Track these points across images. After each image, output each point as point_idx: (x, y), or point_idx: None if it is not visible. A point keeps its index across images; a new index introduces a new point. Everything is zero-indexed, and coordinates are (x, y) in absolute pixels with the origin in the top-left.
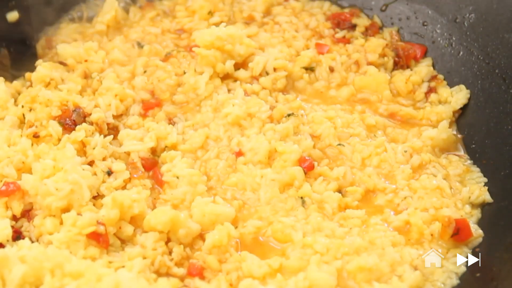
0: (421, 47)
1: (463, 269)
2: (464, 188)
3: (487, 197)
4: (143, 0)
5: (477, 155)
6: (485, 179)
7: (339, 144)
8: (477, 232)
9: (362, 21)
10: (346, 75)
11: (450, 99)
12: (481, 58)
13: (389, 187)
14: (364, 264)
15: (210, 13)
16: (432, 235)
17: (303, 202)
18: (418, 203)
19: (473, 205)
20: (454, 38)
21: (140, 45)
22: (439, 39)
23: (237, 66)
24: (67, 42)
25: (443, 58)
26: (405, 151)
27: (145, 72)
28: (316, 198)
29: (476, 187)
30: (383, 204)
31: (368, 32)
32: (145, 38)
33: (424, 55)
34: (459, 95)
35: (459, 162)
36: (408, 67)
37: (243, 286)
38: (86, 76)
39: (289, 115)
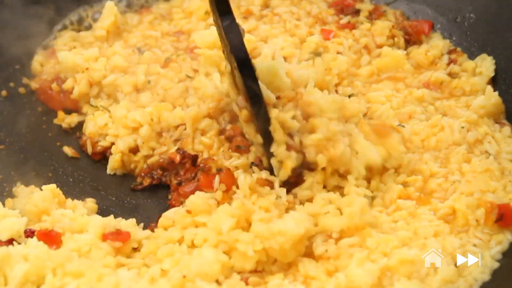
0: (427, 22)
1: (497, 264)
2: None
3: None
4: (138, 4)
5: None
6: None
7: (399, 125)
8: None
9: (365, 6)
10: (358, 59)
11: (479, 69)
12: None
13: (441, 172)
14: (406, 257)
15: (208, 13)
16: (477, 220)
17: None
18: (465, 187)
19: None
20: (454, 38)
21: (140, 51)
22: None
23: None
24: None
25: None
26: (462, 127)
27: (148, 82)
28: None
29: None
30: (433, 190)
31: (373, 16)
32: (145, 42)
33: (432, 29)
34: (486, 63)
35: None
36: (420, 42)
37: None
38: (91, 84)
39: (349, 96)
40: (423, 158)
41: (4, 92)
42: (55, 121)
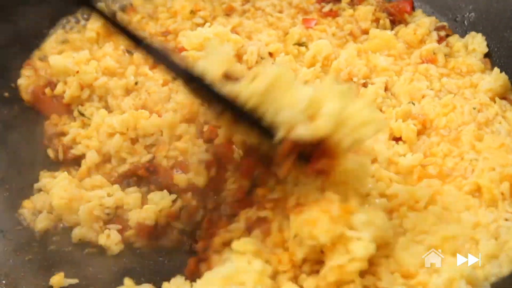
0: (407, 1)
1: None
2: None
3: None
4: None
5: None
6: None
7: (410, 102)
8: None
9: None
10: (343, 44)
11: (471, 46)
12: None
13: (455, 151)
14: (446, 233)
15: (193, 12)
16: (503, 194)
17: None
18: (484, 163)
19: None
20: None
21: (130, 52)
22: None
23: None
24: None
25: None
26: (474, 108)
27: (136, 83)
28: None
29: None
30: (452, 169)
31: (354, 1)
32: None
33: (413, 8)
34: (476, 40)
35: None
36: (405, 22)
37: None
38: (82, 87)
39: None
40: (434, 139)
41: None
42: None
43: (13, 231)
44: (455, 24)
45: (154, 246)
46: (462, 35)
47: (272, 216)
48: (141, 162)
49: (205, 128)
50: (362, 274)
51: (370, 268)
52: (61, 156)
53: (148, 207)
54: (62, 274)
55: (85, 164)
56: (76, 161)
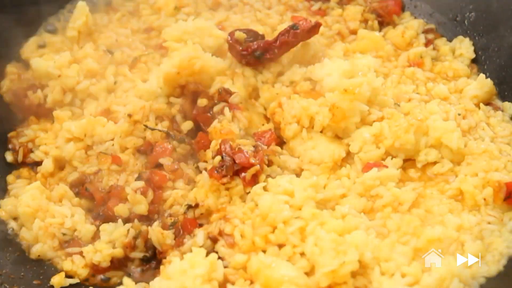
0: (396, 1)
1: None
2: None
3: None
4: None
5: None
6: None
7: (395, 104)
8: None
9: None
10: (330, 44)
11: (458, 51)
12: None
13: (437, 155)
14: (432, 235)
15: (177, 9)
16: (485, 199)
17: None
18: (467, 169)
19: None
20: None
21: (110, 52)
22: None
23: None
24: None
25: None
26: (459, 114)
27: (114, 83)
28: None
29: None
30: (434, 173)
31: (343, 1)
32: (117, 40)
33: (402, 9)
34: (464, 45)
35: (506, 124)
36: (394, 23)
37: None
38: (65, 91)
39: None
40: (417, 143)
41: None
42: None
43: None
44: (456, 24)
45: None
46: (464, 35)
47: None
48: (86, 172)
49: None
50: (354, 274)
51: (360, 270)
52: (20, 157)
53: (102, 247)
54: (62, 274)
55: (40, 170)
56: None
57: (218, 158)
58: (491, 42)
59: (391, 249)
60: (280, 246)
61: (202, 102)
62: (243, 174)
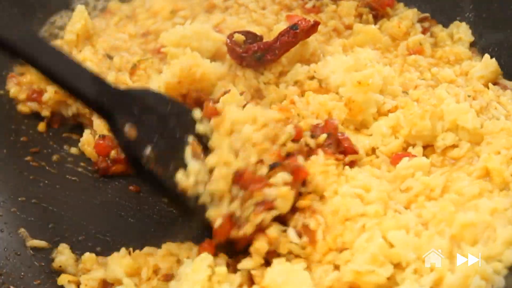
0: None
1: None
2: None
3: None
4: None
5: None
6: None
7: (404, 92)
8: None
9: None
10: (327, 40)
11: (457, 36)
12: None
13: (455, 138)
14: (465, 221)
15: (173, 12)
16: None
17: None
18: (488, 148)
19: None
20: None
21: (109, 57)
22: None
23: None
24: None
25: None
26: (469, 96)
27: None
28: None
29: None
30: (455, 157)
31: None
32: (115, 45)
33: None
34: (461, 29)
35: None
36: (388, 15)
37: None
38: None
39: None
40: (433, 128)
41: None
42: None
43: None
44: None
45: None
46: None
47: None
48: None
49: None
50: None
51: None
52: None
53: None
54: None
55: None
56: None
57: (324, 136)
58: (491, 42)
59: (429, 244)
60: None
61: None
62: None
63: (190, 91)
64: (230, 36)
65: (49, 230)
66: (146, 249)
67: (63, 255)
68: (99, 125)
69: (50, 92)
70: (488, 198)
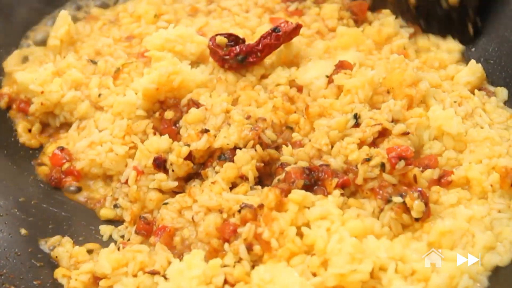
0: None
1: None
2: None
3: None
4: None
5: None
6: None
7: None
8: None
9: None
10: (310, 43)
11: (444, 46)
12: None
13: (442, 148)
14: (443, 228)
15: (156, 16)
16: (492, 186)
17: None
18: (471, 156)
19: None
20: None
21: (93, 62)
22: None
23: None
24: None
25: None
26: (455, 102)
27: (99, 96)
28: None
29: None
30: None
31: (319, 0)
32: (100, 49)
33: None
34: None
35: (501, 110)
36: (368, 21)
37: None
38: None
39: None
40: (420, 137)
41: None
42: None
43: None
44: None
45: None
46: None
47: None
48: None
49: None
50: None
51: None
52: None
53: None
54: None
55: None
56: None
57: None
58: (491, 42)
59: (405, 247)
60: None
61: (168, 114)
62: None
63: (167, 98)
64: (213, 39)
65: (49, 230)
66: (136, 246)
67: (63, 247)
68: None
69: (37, 103)
70: (466, 207)
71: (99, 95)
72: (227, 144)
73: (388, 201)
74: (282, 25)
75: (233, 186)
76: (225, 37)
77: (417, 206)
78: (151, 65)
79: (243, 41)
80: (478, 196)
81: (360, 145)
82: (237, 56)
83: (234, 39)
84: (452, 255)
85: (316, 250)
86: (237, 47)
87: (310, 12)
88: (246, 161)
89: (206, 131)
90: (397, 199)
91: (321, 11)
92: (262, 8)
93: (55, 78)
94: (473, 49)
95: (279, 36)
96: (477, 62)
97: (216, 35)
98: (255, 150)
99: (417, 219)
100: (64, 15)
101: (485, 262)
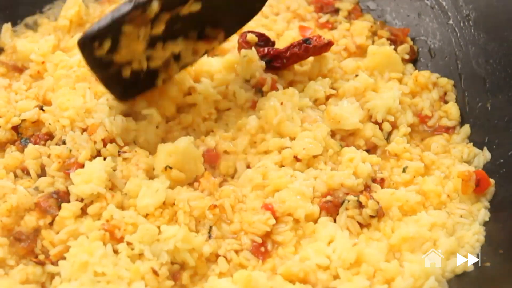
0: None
1: (484, 229)
2: (453, 149)
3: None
4: None
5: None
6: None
7: None
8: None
9: (345, 5)
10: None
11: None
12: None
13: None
14: (406, 234)
15: None
16: (449, 196)
17: None
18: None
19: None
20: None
21: None
22: None
23: None
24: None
25: None
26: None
27: None
28: None
29: (464, 146)
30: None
31: (351, 16)
32: None
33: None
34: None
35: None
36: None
37: None
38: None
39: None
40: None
41: None
42: None
43: None
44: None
45: None
46: (463, 37)
47: None
48: None
49: None
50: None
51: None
52: None
53: None
54: None
55: None
56: None
57: None
58: (491, 42)
59: (366, 245)
60: None
61: None
62: None
63: None
64: (244, 35)
65: None
66: None
67: None
68: None
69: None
70: (430, 214)
71: None
72: None
73: (342, 203)
74: (314, 38)
75: None
76: (256, 35)
77: (371, 204)
78: None
79: (273, 44)
80: (435, 207)
81: None
82: (263, 58)
83: (264, 40)
84: (417, 258)
85: None
86: (266, 48)
87: (340, 27)
88: None
89: None
90: (351, 198)
91: (351, 27)
92: (292, 14)
93: (57, 51)
94: (473, 49)
95: (309, 49)
96: (477, 62)
97: (248, 31)
98: None
99: (372, 216)
100: None
101: (446, 269)
